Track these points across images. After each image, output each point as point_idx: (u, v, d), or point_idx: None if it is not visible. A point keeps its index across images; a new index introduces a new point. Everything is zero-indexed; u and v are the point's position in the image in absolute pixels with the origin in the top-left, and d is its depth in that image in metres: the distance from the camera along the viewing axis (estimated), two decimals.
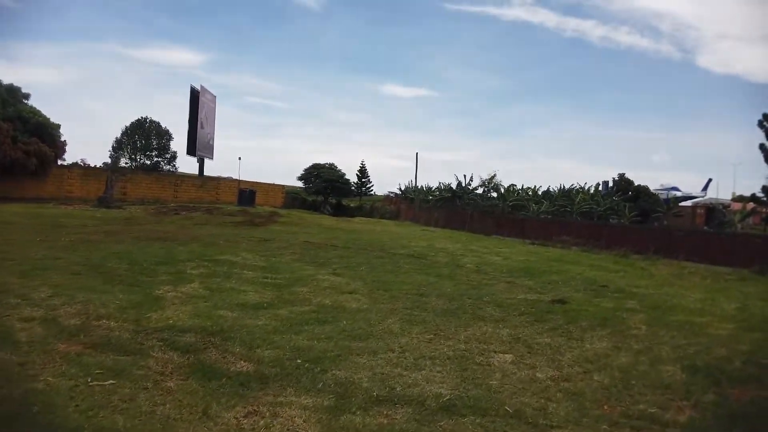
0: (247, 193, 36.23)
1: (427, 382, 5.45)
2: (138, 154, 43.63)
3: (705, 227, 35.02)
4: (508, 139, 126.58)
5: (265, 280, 10.48)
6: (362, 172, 55.68)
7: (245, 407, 4.54)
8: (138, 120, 43.50)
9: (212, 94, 47.60)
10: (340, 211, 38.29)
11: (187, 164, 61.71)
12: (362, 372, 5.62)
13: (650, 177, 57.14)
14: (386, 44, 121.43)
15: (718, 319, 9.48)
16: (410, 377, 5.58)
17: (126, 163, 42.37)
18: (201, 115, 44.11)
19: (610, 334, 8.13)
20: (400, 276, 12.30)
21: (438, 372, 5.83)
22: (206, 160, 44.81)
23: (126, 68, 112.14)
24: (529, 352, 6.95)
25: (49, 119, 31.73)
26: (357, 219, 32.24)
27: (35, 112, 30.67)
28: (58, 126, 32.33)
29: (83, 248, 13.23)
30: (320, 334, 6.86)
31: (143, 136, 43.23)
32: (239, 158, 47.60)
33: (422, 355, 6.39)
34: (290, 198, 42.78)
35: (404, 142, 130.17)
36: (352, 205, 40.59)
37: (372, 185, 56.91)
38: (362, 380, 5.36)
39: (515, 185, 39.18)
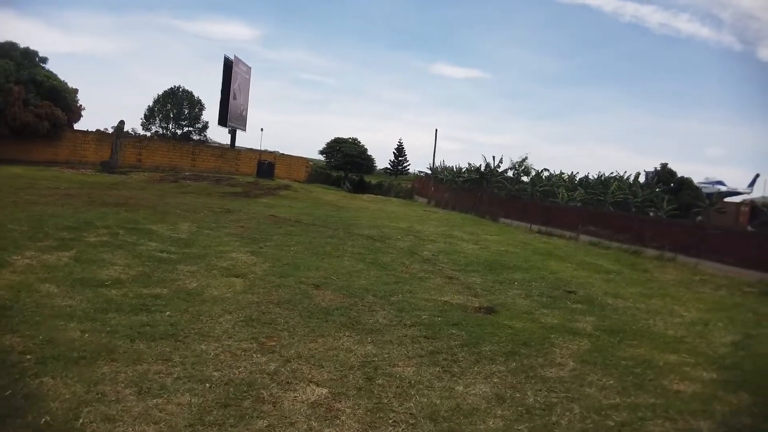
0: (266, 165, 34.16)
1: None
2: (170, 122, 42.26)
3: (748, 227, 30.13)
4: (559, 124, 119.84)
5: (160, 254, 9.16)
6: (399, 151, 52.78)
7: None
8: (171, 89, 42.08)
9: (247, 65, 45.68)
10: (359, 187, 35.68)
11: (224, 135, 60.91)
12: None
13: (702, 171, 51.31)
14: (438, 23, 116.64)
15: (697, 359, 6.30)
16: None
17: (156, 131, 41.18)
18: (234, 86, 42.27)
19: (510, 373, 5.40)
20: (326, 260, 10.20)
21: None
22: (239, 132, 43.29)
23: (177, 40, 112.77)
24: (348, 394, 4.26)
25: (65, 83, 30.62)
26: (366, 196, 29.54)
27: (50, 76, 29.54)
28: (75, 91, 31.17)
29: (9, 209, 12.14)
30: (115, 325, 5.56)
31: (175, 105, 41.73)
32: (261, 129, 45.48)
33: (188, 375, 4.55)
34: (315, 173, 40.50)
35: (453, 123, 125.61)
36: (373, 182, 37.89)
37: (408, 164, 53.87)
38: None
39: (548, 170, 35.24)
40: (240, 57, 42.89)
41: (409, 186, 37.64)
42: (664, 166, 35.01)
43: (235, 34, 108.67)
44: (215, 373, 4.58)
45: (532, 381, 5.21)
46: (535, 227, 20.11)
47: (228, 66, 41.84)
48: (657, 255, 15.09)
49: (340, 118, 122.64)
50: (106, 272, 7.59)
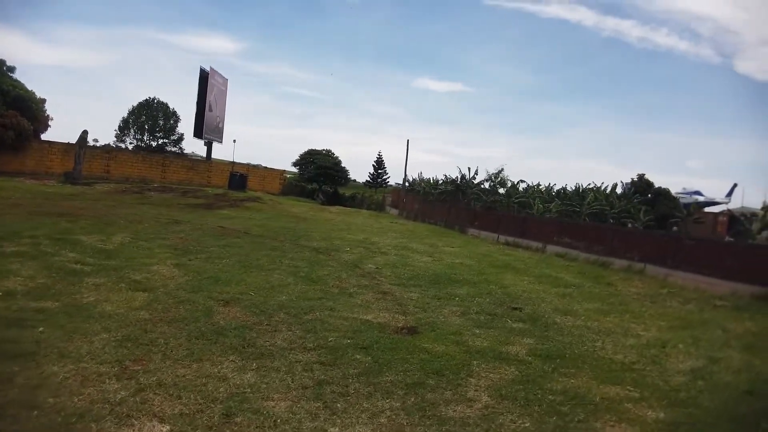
0: (238, 177, 33.00)
1: None
2: (145, 134, 40.98)
3: (726, 237, 29.13)
4: (541, 138, 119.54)
5: (74, 265, 8.44)
6: (378, 164, 51.73)
7: None
8: (146, 100, 40.86)
9: (223, 77, 44.61)
10: (333, 199, 34.43)
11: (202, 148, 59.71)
12: None
13: (684, 183, 50.48)
14: (421, 38, 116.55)
15: (643, 392, 5.14)
16: None
17: (131, 143, 39.89)
18: (210, 98, 41.17)
19: (404, 411, 4.37)
20: (254, 274, 9.20)
21: None
22: (218, 145, 42.13)
23: (162, 53, 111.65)
24: None
25: (33, 93, 29.43)
26: (334, 208, 28.29)
27: (16, 85, 28.37)
28: (43, 101, 30.04)
29: None
30: None
31: (150, 117, 40.48)
32: (234, 141, 43.93)
33: (19, 401, 3.94)
34: (290, 185, 39.22)
35: (435, 137, 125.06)
36: (347, 194, 36.69)
37: (388, 176, 52.79)
38: None
39: (524, 181, 34.23)
40: (217, 69, 41.92)
41: (381, 198, 36.40)
42: (641, 176, 34.04)
43: (218, 48, 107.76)
44: (50, 400, 3.93)
45: (428, 422, 4.07)
46: (503, 239, 18.96)
47: (204, 77, 40.77)
48: (625, 266, 13.97)
49: (323, 131, 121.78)
50: (4, 284, 6.96)
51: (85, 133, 26.50)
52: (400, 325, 6.82)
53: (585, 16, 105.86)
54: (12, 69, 29.39)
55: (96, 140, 35.81)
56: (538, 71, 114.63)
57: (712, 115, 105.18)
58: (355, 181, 59.37)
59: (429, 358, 5.54)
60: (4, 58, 29.13)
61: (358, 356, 5.49)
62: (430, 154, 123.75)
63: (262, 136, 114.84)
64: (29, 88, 29.74)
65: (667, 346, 6.70)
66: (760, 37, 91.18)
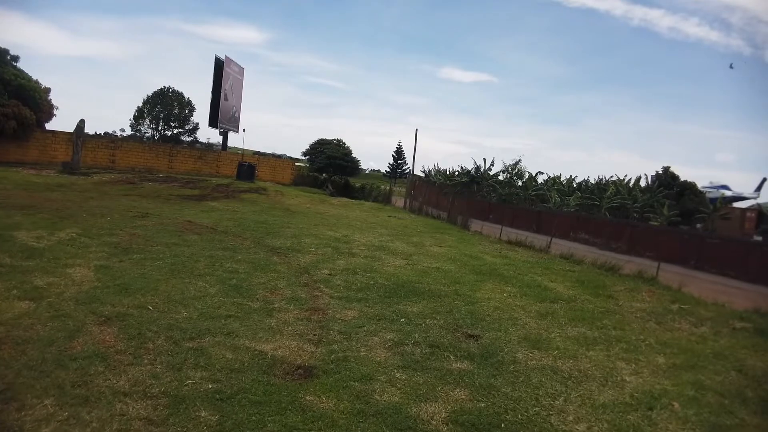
0: (246, 167, 31.55)
1: None
2: (160, 123, 40.02)
3: (754, 234, 26.21)
4: (568, 129, 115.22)
5: None
6: (398, 154, 49.65)
7: None
8: (161, 89, 39.77)
9: (239, 66, 43.35)
10: (344, 190, 32.73)
11: (232, 138, 58.85)
12: None
13: (713, 176, 46.79)
14: (447, 27, 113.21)
15: None
16: None
17: (146, 133, 38.98)
18: (225, 87, 40.02)
19: None
20: (177, 281, 7.77)
21: None
22: (237, 134, 41.00)
23: (186, 44, 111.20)
24: None
25: (36, 82, 28.51)
26: (336, 200, 26.51)
27: (18, 75, 27.46)
28: (47, 90, 29.02)
29: None
30: None
31: (165, 106, 39.45)
32: (243, 130, 42.33)
33: None
34: (302, 175, 37.67)
35: (460, 128, 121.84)
36: (357, 185, 34.95)
37: (408, 167, 50.78)
38: None
39: (543, 173, 31.89)
40: (240, 59, 41.02)
41: (388, 189, 34.44)
42: (666, 169, 31.07)
43: (243, 38, 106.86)
44: None
45: None
46: (506, 236, 16.90)
47: (219, 66, 39.55)
48: (635, 272, 11.83)
49: (347, 121, 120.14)
50: None
51: (82, 122, 25.42)
52: (299, 362, 5.09)
53: (613, 5, 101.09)
54: (16, 58, 28.57)
55: (122, 130, 34.76)
56: (565, 61, 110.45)
57: (742, 107, 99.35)
58: (378, 171, 57.61)
59: (300, 422, 3.83)
60: (7, 47, 28.23)
61: (203, 413, 3.91)
62: (455, 144, 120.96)
63: (286, 126, 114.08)
64: (34, 78, 28.89)
65: (658, 404, 4.75)
66: None
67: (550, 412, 4.41)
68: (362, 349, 5.60)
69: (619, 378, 5.36)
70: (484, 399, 4.56)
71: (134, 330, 5.57)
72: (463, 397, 4.58)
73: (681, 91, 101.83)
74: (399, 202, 29.23)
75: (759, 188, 41.06)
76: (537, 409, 4.46)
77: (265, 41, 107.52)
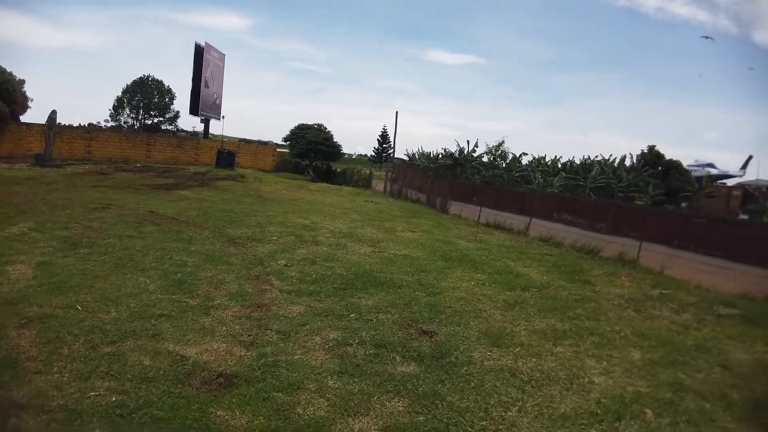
0: (225, 154, 30.58)
1: None
2: (140, 113, 38.85)
3: (740, 213, 25.69)
4: (554, 110, 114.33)
5: None
6: (383, 138, 48.76)
7: None
8: (140, 78, 38.51)
9: (220, 52, 42.09)
10: (326, 176, 31.88)
11: (216, 126, 57.66)
12: None
13: (699, 155, 46.34)
14: (434, 9, 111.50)
15: None
16: None
17: (125, 122, 37.83)
18: (206, 74, 38.85)
19: None
20: (118, 277, 7.03)
21: None
22: (219, 121, 39.89)
23: (169, 33, 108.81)
24: None
25: (10, 74, 27.32)
26: (315, 186, 25.71)
27: None
28: (21, 82, 27.83)
29: None
30: None
31: (145, 95, 38.26)
32: (223, 117, 41.15)
33: None
34: (284, 161, 36.72)
35: (448, 111, 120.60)
36: (339, 170, 34.08)
37: (392, 151, 50.01)
38: None
39: (527, 153, 31.19)
40: (225, 46, 39.37)
41: (368, 174, 33.59)
42: (651, 148, 30.37)
43: (227, 25, 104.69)
44: None
45: None
46: (484, 218, 16.21)
47: (199, 53, 38.36)
48: (617, 255, 11.18)
49: (333, 106, 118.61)
50: None
51: (53, 113, 24.43)
52: (222, 368, 4.38)
53: None
54: None
55: (106, 121, 33.63)
56: (552, 42, 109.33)
57: (728, 87, 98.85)
58: (366, 156, 56.78)
59: None
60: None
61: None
62: (442, 128, 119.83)
63: (272, 113, 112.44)
64: (8, 69, 27.67)
65: (628, 412, 4.06)
66: None
67: (500, 427, 3.72)
68: (298, 352, 4.88)
69: (586, 380, 4.67)
70: (425, 411, 3.86)
71: (53, 333, 4.90)
72: (401, 408, 3.88)
73: (668, 71, 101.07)
74: (380, 186, 28.47)
75: (745, 166, 40.64)
76: (485, 423, 3.76)
77: (248, 27, 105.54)
